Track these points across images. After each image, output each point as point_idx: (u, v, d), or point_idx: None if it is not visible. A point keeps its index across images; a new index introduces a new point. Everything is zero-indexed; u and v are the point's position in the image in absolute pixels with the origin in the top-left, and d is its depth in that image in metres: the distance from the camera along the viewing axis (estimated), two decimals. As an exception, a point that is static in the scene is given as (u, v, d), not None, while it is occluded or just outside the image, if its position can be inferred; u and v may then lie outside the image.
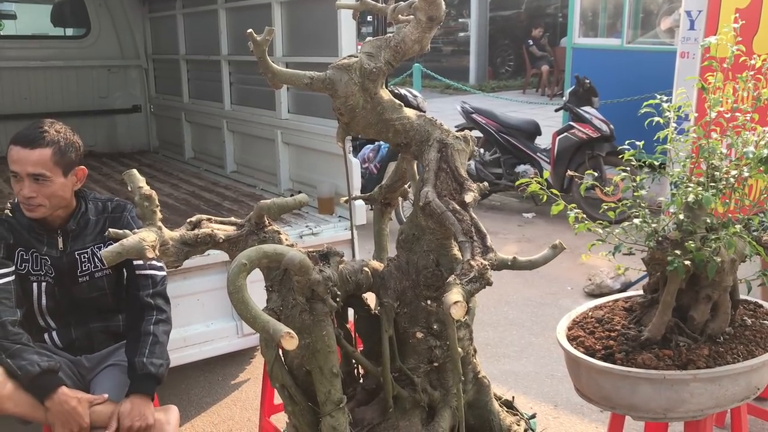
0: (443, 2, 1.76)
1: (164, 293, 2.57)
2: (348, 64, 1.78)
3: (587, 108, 6.65)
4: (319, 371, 1.79)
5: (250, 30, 1.71)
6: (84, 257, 2.52)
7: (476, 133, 6.99)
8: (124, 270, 2.59)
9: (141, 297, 2.50)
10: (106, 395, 2.39)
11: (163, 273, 2.58)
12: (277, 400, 2.76)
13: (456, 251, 1.87)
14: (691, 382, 1.92)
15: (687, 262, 1.95)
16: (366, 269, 1.93)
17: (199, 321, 3.44)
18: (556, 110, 7.66)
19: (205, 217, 1.92)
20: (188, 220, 1.89)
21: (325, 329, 1.78)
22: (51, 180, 2.37)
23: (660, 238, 2.05)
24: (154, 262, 2.49)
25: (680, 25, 4.74)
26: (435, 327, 1.90)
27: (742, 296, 2.27)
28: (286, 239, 1.94)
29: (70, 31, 6.77)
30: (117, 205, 2.61)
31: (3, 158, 2.84)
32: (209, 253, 2.05)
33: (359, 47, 1.86)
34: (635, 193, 2.15)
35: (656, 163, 2.20)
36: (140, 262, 2.47)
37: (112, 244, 1.63)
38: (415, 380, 1.93)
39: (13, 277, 2.42)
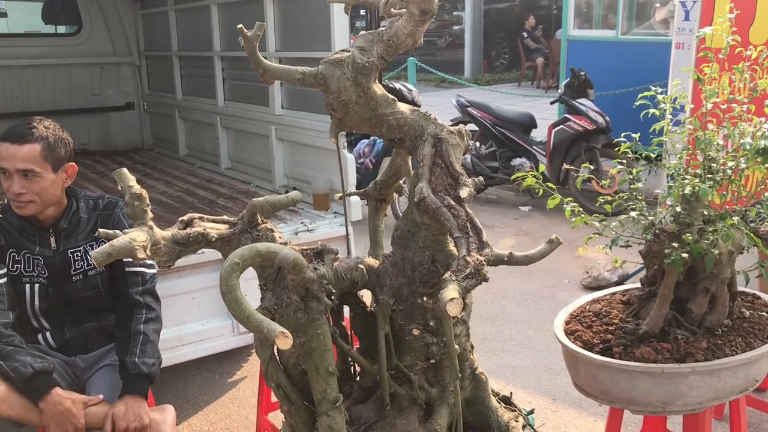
0: (436, -5, 1.74)
1: (153, 291, 2.56)
2: (340, 58, 1.75)
3: (583, 100, 6.64)
4: (314, 370, 1.78)
5: (240, 26, 1.69)
6: (77, 256, 2.51)
7: (472, 127, 6.98)
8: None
9: (130, 294, 2.49)
10: (101, 396, 2.38)
11: (153, 271, 2.56)
12: (275, 398, 2.75)
13: (452, 247, 1.85)
14: (689, 375, 1.91)
15: (684, 255, 1.93)
16: (361, 266, 1.91)
17: (195, 319, 3.43)
18: (552, 103, 7.65)
19: (197, 215, 1.90)
20: (180, 218, 1.87)
21: (320, 328, 1.77)
22: (40, 176, 2.36)
23: (657, 231, 2.04)
24: None
25: (675, 15, 4.73)
26: (431, 324, 1.88)
27: (740, 288, 2.26)
28: (280, 237, 1.92)
29: (61, 29, 6.71)
30: (108, 202, 2.59)
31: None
32: (204, 251, 2.03)
33: (352, 41, 1.84)
34: (632, 186, 2.13)
35: (653, 155, 2.18)
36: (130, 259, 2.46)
37: (105, 242, 1.62)
38: (411, 377, 1.91)
39: (5, 280, 2.40)
